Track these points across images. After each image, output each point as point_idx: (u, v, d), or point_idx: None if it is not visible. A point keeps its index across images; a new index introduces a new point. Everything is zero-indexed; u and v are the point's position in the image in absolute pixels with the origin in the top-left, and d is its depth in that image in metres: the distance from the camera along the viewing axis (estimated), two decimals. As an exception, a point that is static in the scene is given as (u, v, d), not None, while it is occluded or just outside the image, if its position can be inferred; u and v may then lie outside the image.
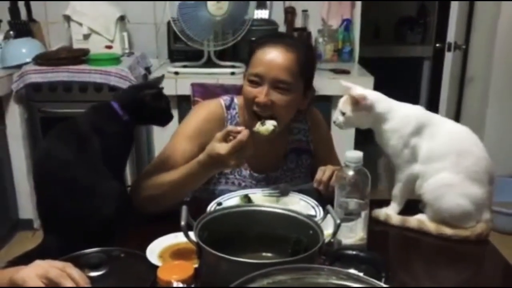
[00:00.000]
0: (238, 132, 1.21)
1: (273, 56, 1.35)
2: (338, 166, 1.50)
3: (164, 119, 1.36)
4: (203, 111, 1.50)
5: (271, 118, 1.37)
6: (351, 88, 1.30)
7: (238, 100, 1.52)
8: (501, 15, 3.06)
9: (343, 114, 1.31)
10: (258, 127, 1.35)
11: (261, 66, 1.36)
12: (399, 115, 1.28)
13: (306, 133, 1.58)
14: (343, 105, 1.31)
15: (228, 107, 1.51)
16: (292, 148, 1.56)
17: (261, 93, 1.35)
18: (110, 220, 1.20)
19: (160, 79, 1.41)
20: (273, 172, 1.53)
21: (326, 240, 0.97)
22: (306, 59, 1.40)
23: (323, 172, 1.37)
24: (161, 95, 1.33)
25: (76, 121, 1.29)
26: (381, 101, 1.29)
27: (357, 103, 1.26)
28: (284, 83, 1.35)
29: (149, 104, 1.29)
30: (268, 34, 1.52)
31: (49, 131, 1.27)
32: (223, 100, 1.52)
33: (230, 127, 1.26)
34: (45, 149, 1.27)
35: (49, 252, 1.16)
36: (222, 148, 1.21)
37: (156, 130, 2.53)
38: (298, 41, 1.44)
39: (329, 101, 2.67)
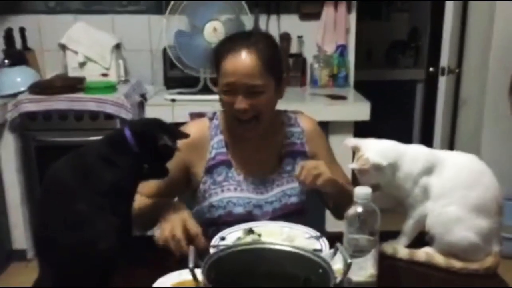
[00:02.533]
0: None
1: (238, 64, 1.38)
2: (339, 176, 1.53)
3: (161, 172, 1.30)
4: (190, 127, 1.53)
5: (255, 118, 1.42)
6: (359, 147, 1.27)
7: (219, 112, 1.57)
8: (494, 38, 3.10)
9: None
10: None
11: (229, 77, 1.39)
12: (408, 159, 1.26)
13: (299, 136, 1.58)
14: (363, 178, 1.27)
15: (211, 118, 1.56)
16: (288, 152, 1.56)
17: (237, 100, 1.40)
18: (105, 256, 1.16)
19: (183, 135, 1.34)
20: (270, 176, 1.54)
21: (337, 280, 0.95)
22: (270, 54, 1.41)
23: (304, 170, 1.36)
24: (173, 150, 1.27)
25: (87, 148, 1.24)
26: (386, 154, 1.25)
27: (364, 172, 1.24)
28: (255, 87, 1.39)
29: (160, 151, 1.22)
30: (227, 38, 1.51)
31: (60, 157, 1.22)
32: (207, 114, 1.59)
33: (196, 232, 1.29)
34: (53, 172, 1.21)
35: None
36: (170, 229, 1.27)
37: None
38: (258, 36, 1.46)
39: (326, 127, 2.68)
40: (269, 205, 1.52)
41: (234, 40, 1.44)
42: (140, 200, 1.39)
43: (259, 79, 1.39)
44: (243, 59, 1.38)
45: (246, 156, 1.52)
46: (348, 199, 1.16)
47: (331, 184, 1.40)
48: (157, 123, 1.27)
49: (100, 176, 1.18)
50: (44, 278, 1.18)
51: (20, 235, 2.88)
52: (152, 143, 1.21)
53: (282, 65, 1.49)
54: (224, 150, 1.52)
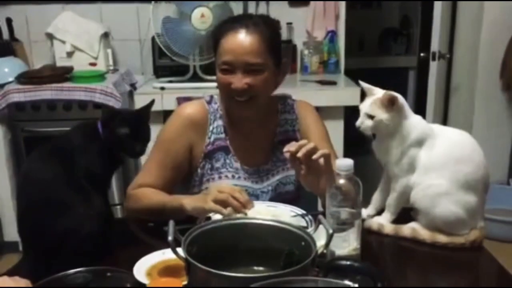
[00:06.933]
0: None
1: (238, 42, 1.36)
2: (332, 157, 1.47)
3: (133, 153, 1.30)
4: (189, 107, 1.52)
5: (250, 99, 1.38)
6: (373, 89, 1.25)
7: (217, 96, 1.53)
8: (484, 23, 3.09)
9: (371, 117, 1.23)
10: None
11: (228, 54, 1.36)
12: (407, 124, 1.25)
13: (293, 123, 1.55)
14: (371, 108, 1.23)
15: (209, 102, 1.52)
16: (280, 140, 1.53)
17: (235, 79, 1.36)
18: (90, 238, 1.16)
19: (148, 107, 1.33)
20: (264, 165, 1.52)
21: (319, 251, 0.94)
22: (270, 35, 1.40)
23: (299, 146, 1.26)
24: (135, 133, 1.27)
25: (60, 139, 1.28)
26: (405, 104, 1.27)
27: (392, 104, 1.22)
28: (255, 65, 1.36)
29: (121, 139, 1.25)
30: (227, 20, 1.47)
31: (34, 150, 1.25)
32: (204, 98, 1.55)
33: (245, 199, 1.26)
34: (27, 168, 1.26)
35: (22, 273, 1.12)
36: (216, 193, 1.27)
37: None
38: (258, 18, 1.44)
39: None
40: (265, 194, 1.50)
41: (235, 20, 1.42)
42: (151, 196, 1.41)
43: (258, 57, 1.36)
44: (243, 37, 1.35)
45: (243, 144, 1.50)
46: None
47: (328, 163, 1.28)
48: (115, 115, 1.28)
49: (77, 161, 1.21)
50: (23, 266, 1.18)
51: (12, 227, 2.85)
52: (115, 135, 1.25)
53: (281, 50, 1.44)
54: (223, 136, 1.50)
